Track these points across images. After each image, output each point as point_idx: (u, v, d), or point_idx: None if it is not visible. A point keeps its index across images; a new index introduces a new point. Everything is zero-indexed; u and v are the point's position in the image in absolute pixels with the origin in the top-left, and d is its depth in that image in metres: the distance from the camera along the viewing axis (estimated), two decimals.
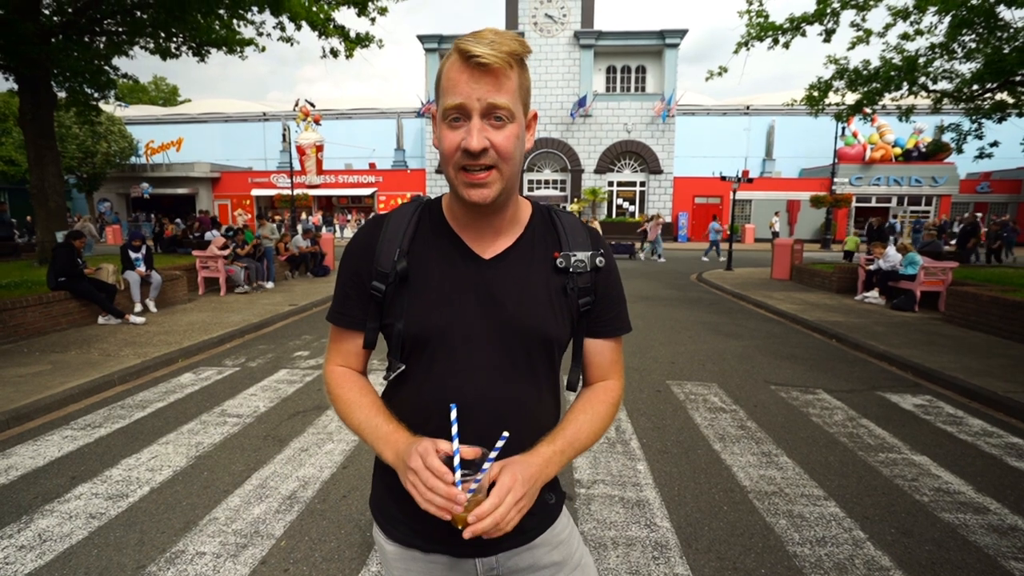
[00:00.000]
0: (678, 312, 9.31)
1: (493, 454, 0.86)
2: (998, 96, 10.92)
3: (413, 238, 1.04)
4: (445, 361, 0.98)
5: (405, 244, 1.02)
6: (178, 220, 23.20)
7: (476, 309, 0.98)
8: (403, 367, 1.02)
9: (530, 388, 1.02)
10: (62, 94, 11.70)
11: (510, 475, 0.85)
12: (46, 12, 10.69)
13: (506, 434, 0.86)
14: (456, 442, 0.86)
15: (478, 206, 0.95)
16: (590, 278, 1.06)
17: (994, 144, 11.29)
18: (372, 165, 32.46)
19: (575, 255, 1.04)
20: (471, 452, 0.87)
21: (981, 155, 11.62)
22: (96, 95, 12.21)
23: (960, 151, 12.22)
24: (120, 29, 11.36)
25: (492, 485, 0.85)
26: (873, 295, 10.00)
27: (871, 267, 10.28)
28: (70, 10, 10.91)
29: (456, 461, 0.85)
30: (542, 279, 1.03)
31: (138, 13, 10.98)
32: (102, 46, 11.55)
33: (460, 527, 0.85)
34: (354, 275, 1.06)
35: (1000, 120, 11.13)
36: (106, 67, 11.61)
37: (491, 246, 1.03)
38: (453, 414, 0.89)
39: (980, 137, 11.75)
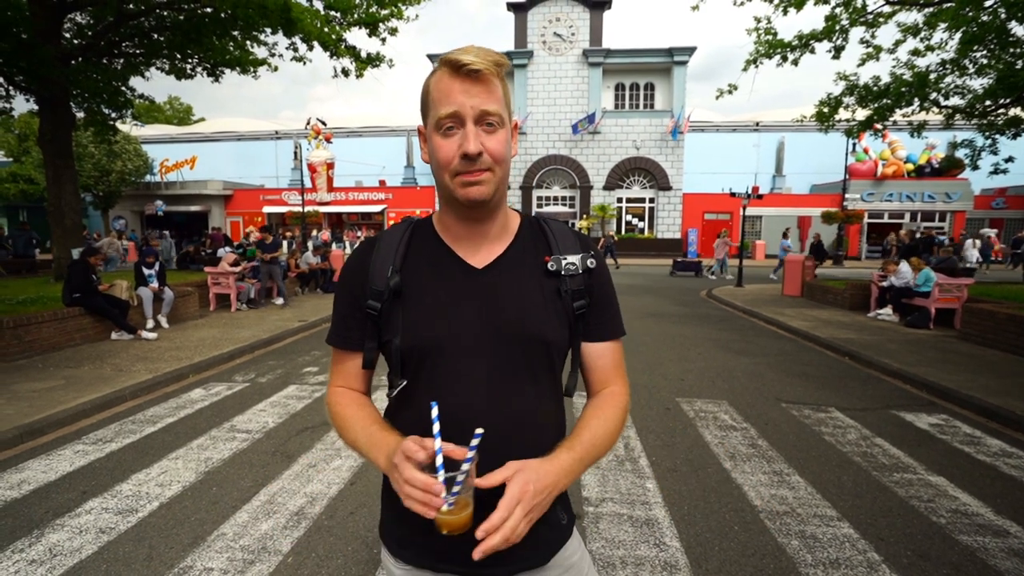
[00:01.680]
0: (687, 329, 9.25)
1: (470, 453, 0.82)
2: (1011, 111, 10.85)
3: (406, 255, 1.05)
4: (445, 372, 0.98)
5: (398, 261, 1.04)
6: (165, 232, 22.23)
7: (473, 318, 0.99)
8: (404, 383, 1.02)
9: (532, 394, 1.02)
10: (80, 114, 11.97)
11: (520, 485, 0.83)
12: (66, 35, 10.98)
13: (480, 431, 0.85)
14: (438, 440, 0.84)
15: (474, 206, 0.97)
16: (583, 280, 1.07)
17: (1009, 159, 11.20)
18: (382, 182, 32.77)
19: (565, 258, 1.06)
20: (459, 452, 0.84)
21: (996, 171, 11.53)
22: (113, 115, 12.47)
23: (975, 167, 12.13)
24: (137, 51, 11.66)
25: (502, 490, 0.83)
26: (886, 312, 9.89)
27: (884, 284, 10.18)
28: (90, 33, 11.21)
29: (439, 460, 0.83)
30: (535, 284, 1.04)
31: (155, 36, 11.27)
32: (120, 67, 11.83)
33: (444, 532, 0.82)
34: (350, 296, 1.08)
35: (1014, 136, 11.06)
36: (123, 88, 11.87)
37: (483, 255, 1.04)
38: (434, 412, 0.87)
39: (995, 153, 11.66)
